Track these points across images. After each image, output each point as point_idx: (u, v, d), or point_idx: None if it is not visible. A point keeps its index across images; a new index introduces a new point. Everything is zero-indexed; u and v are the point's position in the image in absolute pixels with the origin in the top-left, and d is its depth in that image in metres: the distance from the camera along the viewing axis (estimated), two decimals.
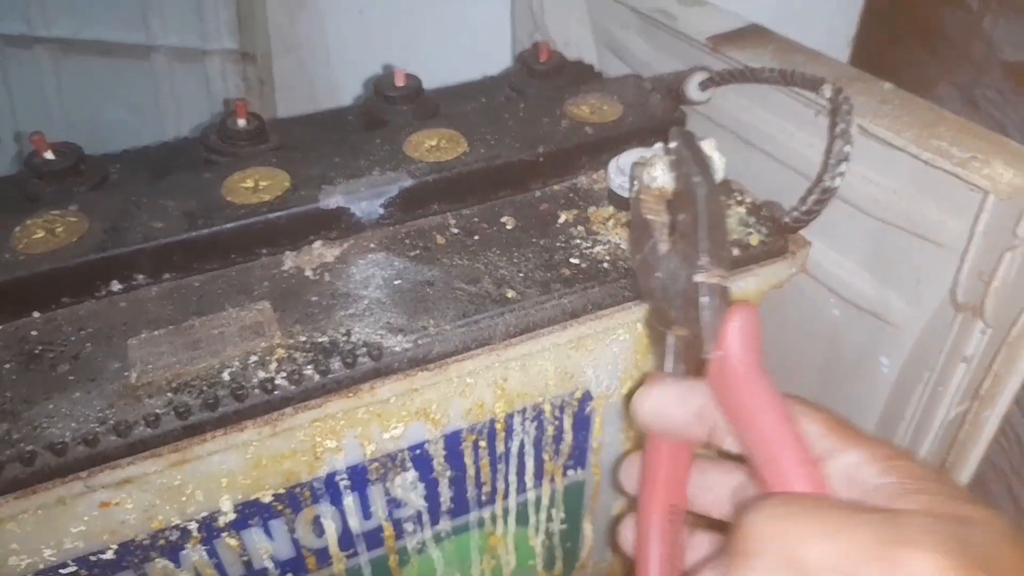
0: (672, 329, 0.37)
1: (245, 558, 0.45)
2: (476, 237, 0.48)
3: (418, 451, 0.45)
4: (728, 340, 0.32)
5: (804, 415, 0.32)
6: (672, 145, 0.41)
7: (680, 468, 0.36)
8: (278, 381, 0.39)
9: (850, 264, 0.53)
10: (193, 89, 1.00)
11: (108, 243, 0.44)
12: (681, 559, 0.36)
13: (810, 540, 0.26)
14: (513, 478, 0.51)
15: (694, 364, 0.36)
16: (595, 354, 0.46)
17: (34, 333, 0.42)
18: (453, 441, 0.46)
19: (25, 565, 0.39)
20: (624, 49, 0.70)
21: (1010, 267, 0.41)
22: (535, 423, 0.48)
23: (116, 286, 0.44)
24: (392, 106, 0.57)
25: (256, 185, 0.47)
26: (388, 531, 0.49)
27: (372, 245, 0.47)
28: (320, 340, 0.41)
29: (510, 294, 0.43)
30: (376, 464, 0.45)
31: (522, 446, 0.49)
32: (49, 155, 0.51)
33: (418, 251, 0.47)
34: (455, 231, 0.48)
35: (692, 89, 0.53)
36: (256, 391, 0.39)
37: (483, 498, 0.51)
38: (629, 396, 0.50)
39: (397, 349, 0.41)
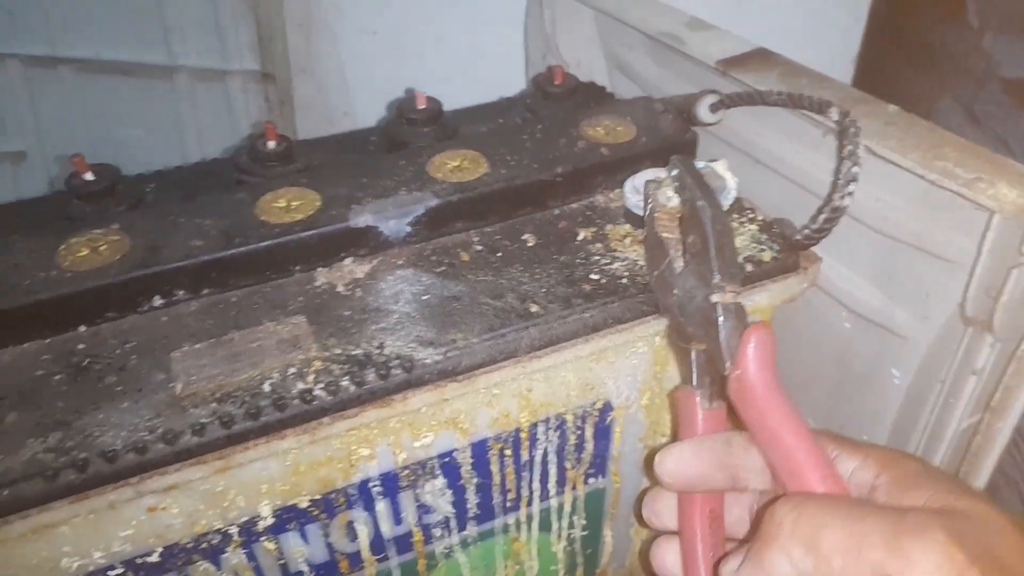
0: (692, 344, 0.39)
1: (282, 561, 0.47)
2: (499, 254, 0.50)
3: (447, 459, 0.47)
4: (745, 360, 0.35)
5: None
6: (674, 172, 0.43)
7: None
8: (316, 392, 0.41)
9: (860, 279, 0.55)
10: (214, 109, 1.03)
11: (150, 261, 0.46)
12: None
13: (825, 526, 0.29)
14: (537, 485, 0.52)
15: (716, 377, 0.38)
16: (615, 366, 0.48)
17: (81, 346, 0.45)
18: (480, 449, 0.48)
19: (76, 567, 0.41)
20: (634, 70, 0.72)
21: (1017, 284, 0.42)
22: (558, 432, 0.50)
23: (158, 301, 0.46)
24: (414, 128, 0.60)
25: (288, 205, 0.50)
26: (417, 536, 0.50)
27: (400, 262, 0.49)
28: (355, 353, 0.43)
29: (534, 309, 0.46)
30: (407, 471, 0.46)
31: (545, 454, 0.51)
32: (89, 176, 0.53)
33: (444, 267, 0.49)
34: (479, 248, 0.50)
35: (703, 111, 0.55)
36: (296, 401, 0.41)
37: (508, 505, 0.52)
38: (648, 407, 0.52)
39: (428, 361, 0.43)
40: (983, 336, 0.46)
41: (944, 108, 1.05)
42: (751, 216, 0.52)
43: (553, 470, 0.52)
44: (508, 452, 0.49)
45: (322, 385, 0.41)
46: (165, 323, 0.46)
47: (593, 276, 0.47)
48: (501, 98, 0.70)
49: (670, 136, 0.55)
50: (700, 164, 0.48)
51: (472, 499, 0.51)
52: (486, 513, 0.52)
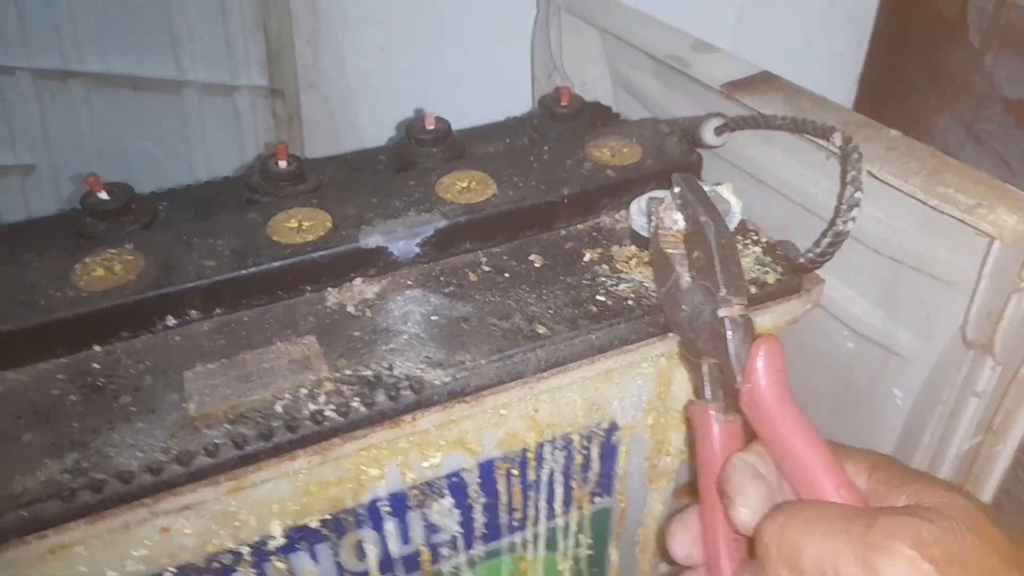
0: (703, 359, 0.40)
1: None
2: (506, 274, 0.51)
3: (454, 479, 0.48)
4: (755, 373, 0.36)
5: None
6: (676, 190, 0.44)
7: None
8: (327, 413, 0.42)
9: (862, 299, 0.55)
10: (222, 123, 1.04)
11: (164, 281, 0.47)
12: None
13: (804, 546, 0.31)
14: (543, 505, 0.53)
15: (729, 390, 0.39)
16: (621, 386, 0.49)
17: (96, 366, 0.45)
18: (487, 469, 0.48)
19: None
20: (639, 90, 0.73)
21: (1017, 308, 0.43)
22: (564, 452, 0.51)
23: (171, 321, 0.47)
24: (422, 148, 0.60)
25: (299, 225, 0.50)
26: (425, 555, 0.51)
27: (409, 282, 0.50)
28: (365, 374, 0.44)
29: (541, 330, 0.46)
30: (415, 491, 0.47)
31: (552, 474, 0.51)
32: (103, 195, 0.54)
33: (452, 288, 0.50)
34: (486, 269, 0.51)
35: (708, 134, 0.56)
36: (307, 422, 0.41)
37: (515, 524, 0.53)
38: (653, 426, 0.52)
39: (437, 382, 0.43)
40: (984, 359, 0.47)
41: (945, 126, 1.06)
42: (755, 238, 0.52)
43: (559, 489, 0.53)
44: (515, 472, 0.50)
45: (333, 406, 0.42)
46: (178, 343, 0.46)
47: (599, 297, 0.48)
48: (508, 118, 0.71)
49: (675, 158, 0.56)
50: (705, 187, 0.49)
51: (479, 518, 0.51)
52: (493, 532, 0.53)
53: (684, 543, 0.42)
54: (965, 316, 0.46)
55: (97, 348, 0.46)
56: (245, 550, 0.44)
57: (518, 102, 0.93)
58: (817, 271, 0.51)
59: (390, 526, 0.48)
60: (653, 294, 0.48)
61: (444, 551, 0.52)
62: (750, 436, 0.39)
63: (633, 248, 0.51)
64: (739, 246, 0.52)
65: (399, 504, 0.47)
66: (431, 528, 0.50)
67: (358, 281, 0.50)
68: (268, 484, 0.42)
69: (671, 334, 0.47)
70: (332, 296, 0.49)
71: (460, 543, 0.52)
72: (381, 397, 0.42)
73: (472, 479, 0.48)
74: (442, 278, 0.50)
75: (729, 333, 0.38)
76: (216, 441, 0.40)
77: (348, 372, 0.44)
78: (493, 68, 0.97)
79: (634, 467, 0.55)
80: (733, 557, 0.39)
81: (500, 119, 0.72)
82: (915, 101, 1.05)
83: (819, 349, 0.61)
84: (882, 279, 0.54)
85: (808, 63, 1.02)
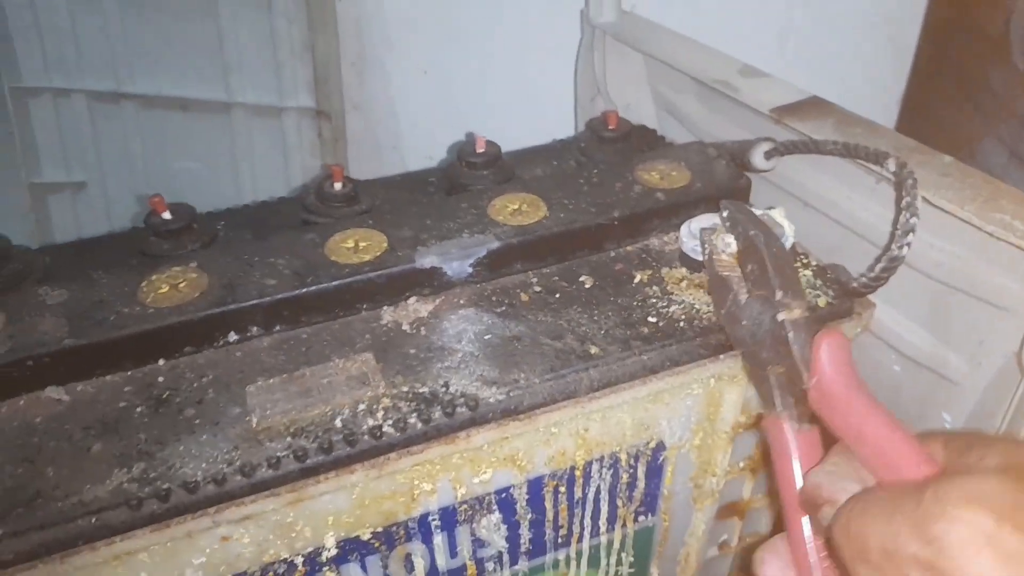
0: (769, 370, 0.40)
1: None
2: (557, 295, 0.51)
3: (503, 495, 0.48)
4: (820, 365, 0.35)
5: None
6: (725, 214, 0.45)
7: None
8: (385, 428, 0.43)
9: (911, 323, 0.55)
10: (269, 144, 1.07)
11: (227, 298, 0.48)
12: None
13: (867, 536, 0.30)
14: (588, 522, 0.53)
15: (800, 398, 0.38)
16: (670, 407, 0.49)
17: (161, 379, 0.47)
18: (536, 486, 0.49)
19: None
20: (683, 114, 0.74)
21: None
22: (611, 471, 0.51)
23: (233, 337, 0.48)
24: (473, 171, 0.62)
25: (356, 246, 0.52)
26: (471, 570, 0.52)
27: (462, 301, 0.51)
28: (421, 390, 0.45)
29: (593, 350, 0.47)
30: (465, 506, 0.48)
31: (598, 492, 0.52)
32: (167, 215, 0.56)
33: (504, 307, 0.50)
34: (537, 289, 0.52)
35: (758, 158, 0.56)
36: (366, 437, 0.42)
37: (559, 540, 0.53)
38: (700, 447, 0.52)
39: (492, 400, 0.44)
40: None
41: (988, 148, 1.05)
42: (805, 261, 0.53)
43: (604, 507, 0.53)
44: (562, 489, 0.50)
45: (391, 422, 0.43)
46: (240, 358, 0.48)
47: (651, 319, 0.49)
48: (554, 140, 0.72)
49: (724, 182, 0.56)
50: (757, 212, 0.49)
51: (525, 534, 0.52)
52: (538, 548, 0.53)
53: (775, 569, 0.39)
54: (1021, 342, 0.46)
55: (162, 362, 0.48)
56: (299, 560, 0.45)
57: (560, 124, 0.95)
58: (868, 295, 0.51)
59: (439, 540, 0.49)
60: (704, 316, 0.49)
61: (489, 566, 0.52)
62: (830, 445, 0.37)
63: (683, 270, 0.52)
64: None
65: (449, 518, 0.48)
66: (478, 543, 0.50)
67: (412, 300, 0.51)
68: (326, 496, 0.43)
69: (722, 356, 0.48)
70: (387, 314, 0.50)
71: (505, 558, 0.52)
72: (437, 413, 0.43)
73: (520, 495, 0.49)
74: (494, 298, 0.51)
75: (791, 334, 0.38)
76: (278, 454, 0.41)
77: (405, 389, 0.45)
78: (536, 91, 0.99)
79: (679, 487, 0.55)
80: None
81: (542, 141, 0.73)
82: (957, 122, 1.05)
83: (866, 373, 0.60)
84: (932, 303, 0.53)
85: (849, 85, 1.02)
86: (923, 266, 0.52)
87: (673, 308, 0.49)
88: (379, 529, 0.46)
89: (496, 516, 0.50)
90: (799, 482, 0.37)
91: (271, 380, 0.46)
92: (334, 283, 0.49)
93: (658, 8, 0.80)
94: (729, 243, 0.46)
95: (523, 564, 0.54)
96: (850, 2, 1.02)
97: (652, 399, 0.48)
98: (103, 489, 0.40)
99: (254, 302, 0.48)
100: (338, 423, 0.43)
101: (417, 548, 0.49)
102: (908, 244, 0.45)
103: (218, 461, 0.41)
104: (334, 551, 0.46)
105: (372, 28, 1.01)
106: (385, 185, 0.65)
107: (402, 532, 0.47)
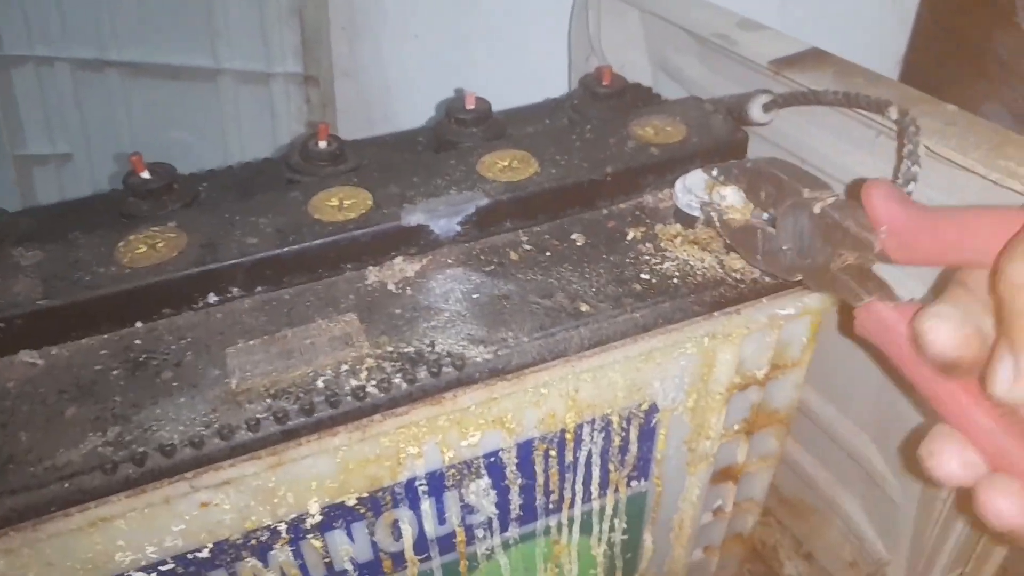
0: (834, 267, 0.38)
1: (327, 559, 0.47)
2: (548, 253, 0.50)
3: (492, 459, 0.47)
4: (883, 208, 0.33)
5: None
6: (714, 172, 0.44)
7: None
8: (369, 389, 0.41)
9: (912, 282, 0.54)
10: (257, 111, 1.05)
11: (207, 258, 0.46)
12: None
13: None
14: (579, 487, 0.52)
15: (876, 279, 0.36)
16: (663, 367, 0.48)
17: (138, 342, 0.45)
18: (525, 449, 0.48)
19: (129, 561, 0.41)
20: (680, 71, 0.72)
21: None
22: (603, 434, 0.50)
23: (213, 298, 0.47)
24: (463, 128, 0.60)
25: (341, 204, 0.50)
26: (460, 536, 0.50)
27: (450, 260, 0.49)
28: (406, 350, 0.43)
29: (584, 308, 0.45)
30: (453, 470, 0.47)
31: (589, 456, 0.51)
32: (146, 175, 0.54)
33: (493, 266, 0.49)
34: (528, 247, 0.50)
35: (755, 111, 0.55)
36: (349, 398, 0.41)
37: (550, 506, 0.52)
38: (694, 409, 0.51)
39: (479, 360, 0.43)
40: None
41: (991, 112, 1.03)
42: None
43: (596, 472, 0.52)
44: (553, 453, 0.49)
45: (375, 382, 0.41)
46: (220, 320, 0.46)
47: (643, 276, 0.47)
48: (547, 99, 0.70)
49: (720, 136, 0.54)
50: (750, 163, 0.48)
51: (515, 500, 0.51)
52: (528, 514, 0.52)
53: (953, 458, 0.30)
54: None
55: (140, 325, 0.46)
56: (282, 527, 0.44)
57: (554, 88, 0.92)
58: None
59: (427, 506, 0.47)
60: (699, 272, 0.47)
61: (479, 533, 0.51)
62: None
63: (678, 227, 0.50)
64: None
65: (436, 484, 0.47)
66: (467, 509, 0.49)
67: (399, 259, 0.49)
68: (308, 460, 0.42)
69: (716, 313, 0.46)
70: (373, 274, 0.49)
71: (495, 525, 0.51)
72: (423, 373, 0.42)
73: (510, 459, 0.48)
74: (483, 256, 0.50)
75: (837, 215, 0.37)
76: (258, 416, 0.40)
77: (389, 349, 0.44)
78: (529, 54, 0.97)
79: (673, 451, 0.54)
80: (1013, 431, 0.29)
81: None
82: (960, 86, 1.02)
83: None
84: None
85: (850, 48, 1.00)
86: None
87: (667, 265, 0.48)
88: (364, 495, 0.45)
89: (485, 481, 0.49)
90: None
91: (252, 342, 0.44)
92: (317, 241, 0.47)
93: None
94: (726, 194, 0.45)
95: (514, 531, 0.53)
96: None
97: (644, 358, 0.47)
98: (77, 453, 0.39)
99: (234, 261, 0.46)
100: (320, 384, 0.42)
101: (404, 514, 0.48)
102: (910, 193, 0.43)
103: (196, 424, 0.40)
104: (318, 517, 0.45)
105: None
106: (372, 144, 0.64)
107: (388, 498, 0.46)
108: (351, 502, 0.45)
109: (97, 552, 0.40)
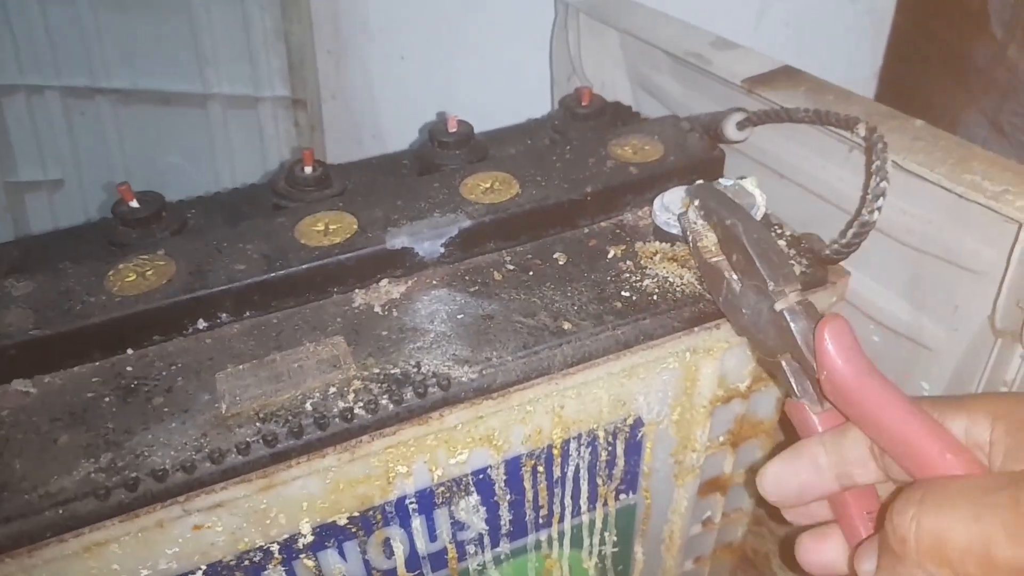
0: (779, 357, 0.39)
1: None
2: (531, 273, 0.51)
3: (481, 476, 0.48)
4: (826, 358, 0.34)
5: None
6: (696, 203, 0.44)
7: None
8: (356, 410, 0.42)
9: (888, 292, 0.55)
10: (246, 134, 1.06)
11: (195, 285, 0.47)
12: None
13: (948, 534, 0.27)
14: (568, 501, 0.53)
15: (813, 380, 0.38)
16: (646, 382, 0.49)
17: (129, 368, 0.46)
18: (513, 466, 0.49)
19: None
20: (659, 89, 0.73)
21: None
22: (589, 448, 0.51)
23: (202, 324, 0.48)
24: (445, 150, 0.61)
25: (326, 228, 0.51)
26: (452, 553, 0.51)
27: (435, 282, 0.50)
28: (393, 372, 0.44)
29: (566, 326, 0.46)
30: (442, 488, 0.47)
31: (577, 471, 0.51)
32: (135, 203, 0.55)
33: (477, 287, 0.50)
34: (511, 267, 0.51)
35: (730, 129, 0.56)
36: (337, 420, 0.42)
37: (540, 521, 0.53)
38: (679, 422, 0.52)
39: (464, 379, 0.44)
40: (1014, 347, 0.47)
41: (968, 120, 1.05)
42: (779, 232, 0.52)
43: (584, 486, 0.53)
44: (541, 468, 0.50)
45: (362, 404, 0.42)
46: (209, 345, 0.47)
47: (624, 293, 0.48)
48: (529, 119, 0.71)
49: (697, 154, 0.56)
50: (729, 182, 0.49)
51: (505, 515, 0.51)
52: (519, 529, 0.53)
53: (823, 553, 0.38)
54: (993, 305, 0.46)
55: (130, 352, 0.47)
56: (275, 548, 0.44)
57: (539, 106, 0.94)
58: (842, 264, 0.51)
59: (417, 523, 0.48)
60: (679, 289, 0.48)
61: (470, 548, 0.52)
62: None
63: (657, 244, 0.51)
64: None
65: (426, 501, 0.47)
66: (458, 525, 0.50)
67: (384, 282, 0.50)
68: (298, 482, 0.42)
69: (696, 328, 0.47)
70: (359, 297, 0.50)
71: (486, 540, 0.52)
72: (409, 394, 0.43)
73: (498, 476, 0.49)
74: (467, 277, 0.51)
75: (793, 325, 0.37)
76: (248, 439, 0.41)
77: (376, 370, 0.44)
78: (514, 73, 0.98)
79: (660, 464, 0.54)
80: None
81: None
82: (937, 95, 1.04)
83: None
84: (907, 271, 0.53)
85: (827, 60, 1.02)
86: (897, 233, 0.51)
87: (647, 282, 0.49)
88: (355, 514, 0.46)
89: (475, 498, 0.49)
90: None
91: (241, 366, 0.45)
92: (303, 266, 0.48)
93: None
94: (702, 226, 0.45)
95: (505, 546, 0.54)
96: None
97: (627, 374, 0.48)
98: (70, 480, 0.40)
99: (223, 288, 0.47)
100: (308, 407, 0.42)
101: (396, 532, 0.48)
102: (879, 209, 0.45)
103: (187, 448, 0.41)
104: (310, 538, 0.45)
105: (347, 15, 1.00)
106: (357, 168, 0.65)
107: (379, 516, 0.47)
108: (342, 521, 0.46)
109: None
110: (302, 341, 0.47)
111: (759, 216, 0.50)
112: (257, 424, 0.42)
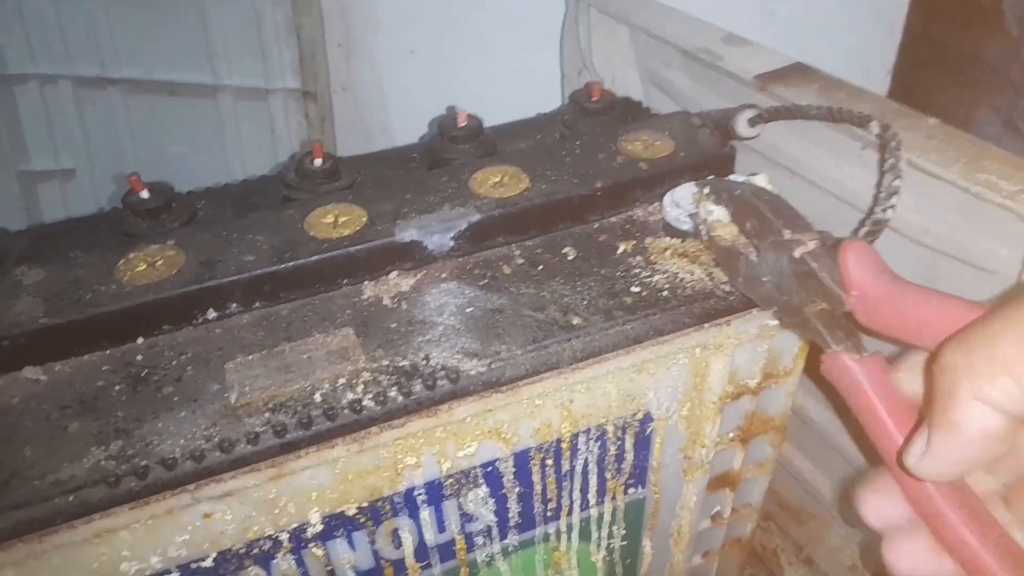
0: (806, 311, 0.38)
1: (329, 568, 0.48)
2: (540, 267, 0.51)
3: (490, 468, 0.48)
4: (855, 276, 0.34)
5: None
6: (705, 190, 0.45)
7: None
8: (365, 402, 0.42)
9: None
10: (256, 126, 1.06)
11: (205, 275, 0.48)
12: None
13: (1001, 333, 0.27)
14: (577, 495, 0.53)
15: (847, 327, 0.37)
16: (656, 377, 0.49)
17: (139, 358, 0.46)
18: (522, 459, 0.49)
19: (134, 571, 0.42)
20: (669, 85, 0.73)
21: None
22: (598, 443, 0.51)
23: (212, 314, 0.48)
24: (455, 145, 0.61)
25: (336, 220, 0.51)
26: (460, 544, 0.51)
27: (444, 275, 0.50)
28: (402, 364, 0.44)
29: (575, 321, 0.46)
30: (451, 480, 0.47)
31: (586, 464, 0.51)
32: (145, 194, 0.55)
33: (487, 280, 0.50)
34: (520, 261, 0.51)
35: (742, 125, 0.56)
36: (346, 411, 0.42)
37: (549, 514, 0.53)
38: (688, 417, 0.52)
39: (473, 373, 0.44)
40: None
41: (982, 118, 1.04)
42: None
43: (593, 480, 0.53)
44: (549, 462, 0.50)
45: (371, 395, 0.42)
46: (219, 335, 0.47)
47: (634, 288, 0.48)
48: (539, 114, 0.71)
49: (708, 150, 0.55)
50: (740, 178, 0.49)
51: (514, 508, 0.51)
52: (527, 522, 0.53)
53: (882, 507, 0.35)
54: None
55: (140, 341, 0.47)
56: (284, 537, 0.45)
57: (548, 102, 0.93)
58: None
59: (426, 514, 0.48)
60: (688, 285, 0.48)
61: (479, 540, 0.52)
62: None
63: (667, 240, 0.51)
64: None
65: (435, 493, 0.48)
66: (466, 517, 0.50)
67: (394, 274, 0.50)
68: (307, 472, 0.43)
69: (707, 325, 0.47)
70: (368, 289, 0.50)
71: (495, 532, 0.52)
72: (418, 387, 0.43)
73: (507, 469, 0.49)
74: (476, 271, 0.51)
75: (814, 264, 0.37)
76: (257, 429, 0.41)
77: (385, 363, 0.45)
78: (523, 68, 0.98)
79: (669, 458, 0.54)
80: (950, 499, 0.31)
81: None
82: (950, 93, 1.04)
83: None
84: (920, 270, 0.53)
85: (839, 58, 1.01)
86: (910, 232, 0.51)
87: (657, 278, 0.49)
88: (364, 504, 0.46)
89: (483, 490, 0.49)
90: (880, 409, 0.34)
91: (250, 356, 0.45)
92: (313, 258, 0.48)
93: None
94: (719, 214, 0.45)
95: (513, 538, 0.54)
96: None
97: (637, 369, 0.48)
98: (80, 468, 0.40)
99: (232, 278, 0.47)
100: (317, 398, 0.43)
101: (404, 523, 0.48)
102: (892, 207, 0.44)
103: (196, 438, 0.41)
104: (320, 527, 0.46)
105: (357, 9, 0.99)
106: (366, 161, 0.65)
107: (388, 507, 0.47)
108: (351, 511, 0.46)
109: (102, 563, 0.41)
110: (311, 332, 0.47)
111: None
112: (266, 414, 0.42)
